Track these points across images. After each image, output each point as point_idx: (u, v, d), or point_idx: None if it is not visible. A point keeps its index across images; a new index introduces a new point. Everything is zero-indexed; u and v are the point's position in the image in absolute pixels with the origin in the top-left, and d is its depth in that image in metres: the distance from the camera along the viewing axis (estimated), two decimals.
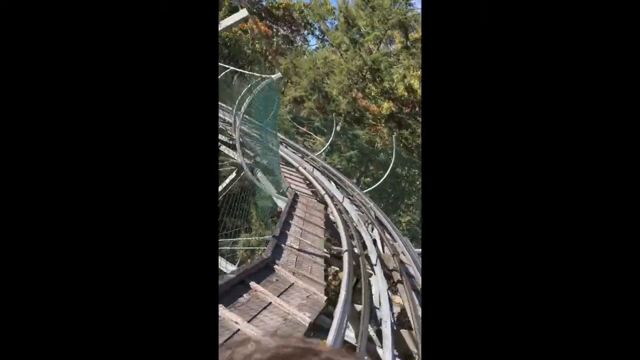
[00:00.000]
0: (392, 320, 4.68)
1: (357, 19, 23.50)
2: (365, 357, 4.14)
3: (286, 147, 15.10)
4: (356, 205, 10.57)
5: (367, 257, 6.83)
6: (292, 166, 12.65)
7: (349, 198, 11.10)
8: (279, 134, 16.32)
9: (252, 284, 3.91)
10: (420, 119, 20.22)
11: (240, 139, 11.59)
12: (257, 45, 25.00)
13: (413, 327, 4.58)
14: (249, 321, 3.25)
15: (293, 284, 4.38)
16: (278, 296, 3.90)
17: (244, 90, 9.46)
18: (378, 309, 5.24)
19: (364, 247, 7.35)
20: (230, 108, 10.72)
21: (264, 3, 29.19)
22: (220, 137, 10.57)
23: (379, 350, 4.42)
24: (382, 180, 16.87)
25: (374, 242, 7.89)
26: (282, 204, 8.09)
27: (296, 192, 9.28)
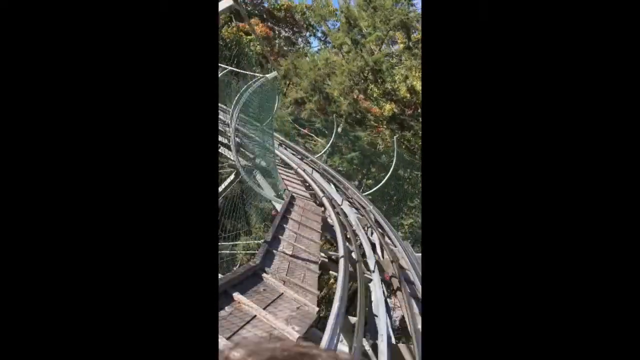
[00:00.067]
0: (389, 333, 4.36)
1: (358, 20, 23.25)
2: None
3: (285, 149, 14.84)
4: (355, 208, 10.24)
5: (365, 263, 6.51)
6: (291, 168, 12.36)
7: (348, 201, 10.78)
8: (279, 136, 16.14)
9: (236, 294, 3.60)
10: None
11: (238, 139, 11.35)
12: (257, 47, 24.84)
13: (411, 339, 4.26)
14: (227, 338, 2.94)
15: (282, 294, 4.07)
16: (264, 308, 3.59)
17: (241, 91, 9.20)
18: (377, 316, 4.94)
19: (362, 252, 7.04)
20: (229, 109, 10.46)
21: (265, 5, 29.16)
22: (219, 138, 10.31)
23: None
24: (383, 182, 16.59)
25: (373, 246, 7.58)
26: (280, 207, 7.79)
27: (293, 194, 8.97)
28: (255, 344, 0.45)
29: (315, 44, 30.19)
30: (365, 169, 22.90)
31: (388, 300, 5.99)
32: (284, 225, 6.48)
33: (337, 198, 10.46)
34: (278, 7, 29.24)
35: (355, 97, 23.10)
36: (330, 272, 7.27)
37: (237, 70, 12.56)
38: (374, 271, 6.05)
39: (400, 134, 22.29)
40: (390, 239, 8.69)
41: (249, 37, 24.95)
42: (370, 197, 16.05)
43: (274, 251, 5.20)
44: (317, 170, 13.28)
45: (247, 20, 6.17)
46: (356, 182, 21.29)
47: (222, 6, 3.71)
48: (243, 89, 8.99)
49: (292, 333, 3.35)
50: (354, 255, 6.35)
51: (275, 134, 16.40)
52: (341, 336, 3.96)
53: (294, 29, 30.37)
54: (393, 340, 4.40)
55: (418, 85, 21.96)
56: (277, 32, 29.02)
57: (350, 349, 3.94)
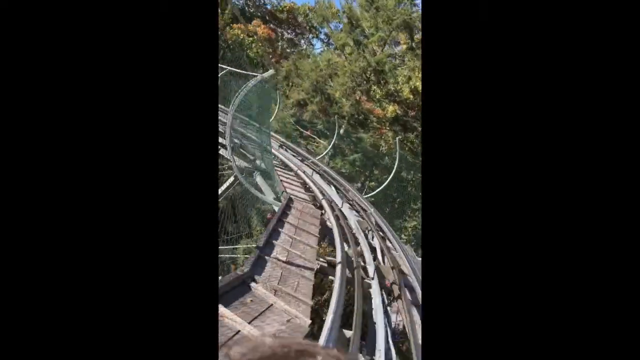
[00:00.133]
0: (387, 347, 4.04)
1: (361, 20, 23.01)
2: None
3: (286, 150, 14.56)
4: (356, 211, 9.93)
5: (365, 269, 6.20)
6: (291, 170, 12.07)
7: (348, 203, 10.47)
8: (280, 137, 15.90)
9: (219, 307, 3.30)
10: None
11: (237, 141, 11.09)
12: (260, 48, 24.69)
13: (412, 356, 3.94)
14: None
15: (272, 305, 3.76)
16: (250, 322, 3.28)
17: (239, 90, 8.95)
18: (375, 326, 4.63)
19: (362, 256, 6.73)
20: (228, 109, 10.22)
21: (268, 7, 29.13)
22: (220, 139, 10.07)
23: None
24: (385, 184, 16.30)
25: (373, 250, 7.26)
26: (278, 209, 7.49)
27: (291, 197, 8.67)
28: (256, 340, 0.45)
29: (318, 45, 30.13)
30: (368, 171, 22.63)
31: (388, 308, 5.68)
32: (280, 230, 6.17)
33: (337, 200, 10.15)
34: (280, 8, 29.20)
35: (357, 98, 22.84)
36: (330, 277, 6.97)
37: (237, 70, 12.33)
38: (373, 278, 5.74)
39: (403, 136, 21.98)
40: (391, 242, 8.37)
41: (250, 38, 24.83)
42: (372, 199, 15.77)
43: (266, 257, 4.90)
44: (317, 172, 12.99)
45: (242, 21, 5.87)
46: (359, 184, 21.03)
47: None
48: (241, 89, 8.75)
49: None
50: (353, 260, 6.04)
51: (276, 135, 16.21)
52: None
53: (297, 30, 30.32)
54: (393, 357, 4.08)
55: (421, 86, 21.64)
56: (279, 34, 28.98)
57: None
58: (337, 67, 22.89)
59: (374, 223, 9.12)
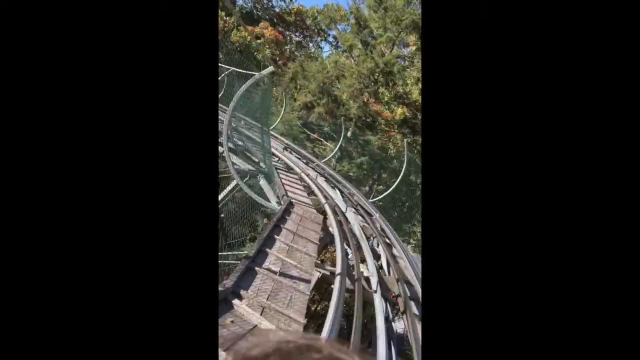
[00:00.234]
0: None
1: (369, 21, 22.61)
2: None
3: (290, 152, 14.15)
4: (361, 216, 9.43)
5: (367, 280, 5.71)
6: (295, 173, 11.63)
7: (353, 208, 9.97)
8: (285, 140, 15.52)
9: None
10: None
11: (241, 143, 10.70)
12: (267, 51, 24.45)
13: None
14: None
15: (256, 326, 3.30)
16: (226, 350, 2.82)
17: (238, 90, 8.56)
18: (377, 346, 4.14)
19: (364, 261, 6.25)
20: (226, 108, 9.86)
21: (276, 9, 29.06)
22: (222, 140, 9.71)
23: None
24: (393, 187, 15.80)
25: (378, 258, 6.77)
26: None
27: (292, 200, 8.22)
28: (260, 335, 0.45)
29: (326, 48, 30.00)
30: (376, 174, 22.14)
31: (393, 324, 5.19)
32: (275, 237, 5.71)
33: (342, 205, 9.67)
34: (289, 11, 29.08)
35: (365, 100, 22.39)
36: (332, 285, 6.48)
37: (240, 70, 12.02)
38: (376, 291, 5.25)
39: (412, 139, 21.46)
40: (397, 250, 7.86)
41: (258, 41, 24.63)
42: (380, 203, 15.27)
43: (256, 268, 4.44)
44: (322, 175, 12.54)
45: (242, 23, 5.47)
46: (367, 188, 20.56)
47: None
48: (241, 87, 8.36)
49: None
50: (354, 270, 5.55)
51: (282, 137, 15.84)
52: None
53: (305, 33, 30.20)
54: None
55: None
56: (287, 37, 28.86)
57: None
58: (344, 69, 22.48)
59: (379, 229, 8.63)
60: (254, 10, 28.91)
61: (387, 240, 8.17)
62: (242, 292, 3.75)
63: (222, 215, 9.87)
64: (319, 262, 5.87)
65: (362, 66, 21.73)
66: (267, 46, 24.74)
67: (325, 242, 8.15)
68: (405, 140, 19.01)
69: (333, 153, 18.44)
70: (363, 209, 10.30)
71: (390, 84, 22.52)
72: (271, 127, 17.09)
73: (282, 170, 11.45)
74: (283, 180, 10.09)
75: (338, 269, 5.14)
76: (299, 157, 14.30)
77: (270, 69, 7.25)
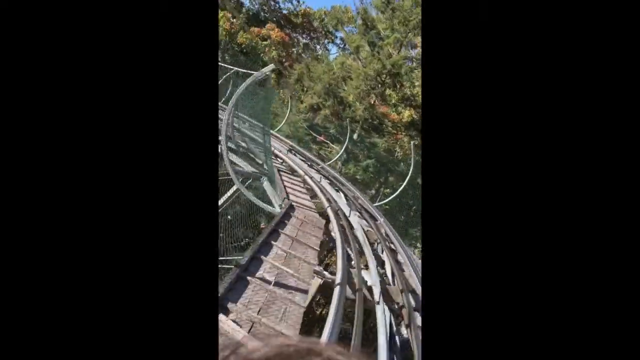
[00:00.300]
0: None
1: (376, 22, 22.32)
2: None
3: (295, 155, 13.86)
4: (365, 220, 9.09)
5: (370, 289, 5.37)
6: (298, 175, 11.33)
7: (358, 212, 9.64)
8: (290, 142, 15.25)
9: None
10: None
11: (245, 144, 10.43)
12: (274, 52, 24.26)
13: None
14: None
15: (242, 346, 2.98)
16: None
17: (238, 88, 8.29)
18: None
19: (366, 267, 5.91)
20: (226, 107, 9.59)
21: (284, 11, 28.94)
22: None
23: None
24: (399, 191, 15.45)
25: (382, 265, 6.43)
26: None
27: (292, 204, 7.90)
28: (261, 339, 0.45)
29: (333, 50, 29.81)
30: (383, 177, 21.78)
31: (397, 337, 4.85)
32: (272, 243, 5.40)
33: (345, 209, 9.35)
34: (296, 13, 28.93)
35: (371, 102, 22.06)
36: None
37: (245, 71, 11.80)
38: (378, 302, 4.91)
39: (419, 141, 21.08)
40: (402, 257, 7.51)
41: (264, 42, 24.46)
42: (387, 207, 14.91)
43: (249, 278, 4.12)
44: (326, 178, 12.22)
45: (244, 25, 5.18)
46: (373, 191, 20.21)
47: None
48: (241, 85, 8.10)
49: None
50: (355, 279, 5.22)
51: (287, 139, 15.57)
52: None
53: (312, 35, 30.03)
54: None
55: None
56: (295, 39, 28.73)
57: None
58: (350, 70, 22.18)
59: (383, 234, 8.28)
60: (261, 12, 28.77)
61: (392, 246, 7.82)
62: (230, 305, 3.43)
63: (229, 217, 9.62)
64: (321, 269, 5.54)
65: (369, 67, 21.42)
66: (274, 48, 24.56)
67: (329, 246, 7.83)
68: (412, 142, 18.63)
69: (339, 155, 18.14)
70: (367, 213, 9.96)
71: (398, 86, 22.19)
72: (277, 129, 16.84)
73: (285, 172, 11.16)
74: (285, 183, 9.79)
75: (338, 279, 4.81)
76: (304, 159, 14.01)
77: (271, 66, 6.98)
